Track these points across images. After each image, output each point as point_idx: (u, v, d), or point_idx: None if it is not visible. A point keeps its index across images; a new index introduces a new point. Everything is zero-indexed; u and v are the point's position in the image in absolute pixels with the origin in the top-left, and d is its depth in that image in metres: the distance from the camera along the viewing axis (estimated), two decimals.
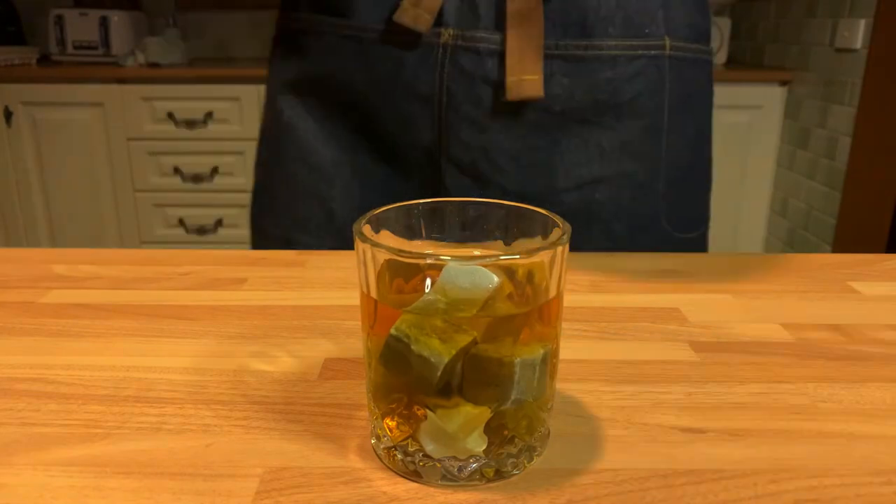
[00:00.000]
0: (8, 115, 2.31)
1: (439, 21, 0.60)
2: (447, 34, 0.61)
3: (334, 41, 0.64)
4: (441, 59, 0.61)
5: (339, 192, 0.67)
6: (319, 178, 0.67)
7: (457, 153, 0.64)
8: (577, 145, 0.62)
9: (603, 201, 0.64)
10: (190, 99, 2.26)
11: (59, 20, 2.42)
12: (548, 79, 0.60)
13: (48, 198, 2.42)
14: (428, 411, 0.28)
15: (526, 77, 0.59)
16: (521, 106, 0.61)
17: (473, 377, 0.27)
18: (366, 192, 0.67)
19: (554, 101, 0.61)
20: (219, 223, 2.39)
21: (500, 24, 0.60)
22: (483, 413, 0.28)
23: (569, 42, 0.60)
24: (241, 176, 2.34)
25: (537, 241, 0.31)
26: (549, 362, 0.29)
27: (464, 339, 0.27)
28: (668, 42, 0.62)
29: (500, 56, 0.60)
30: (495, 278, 0.28)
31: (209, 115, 2.27)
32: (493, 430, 0.28)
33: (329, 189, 0.67)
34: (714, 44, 2.55)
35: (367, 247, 0.28)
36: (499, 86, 0.61)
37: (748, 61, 2.71)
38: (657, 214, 0.66)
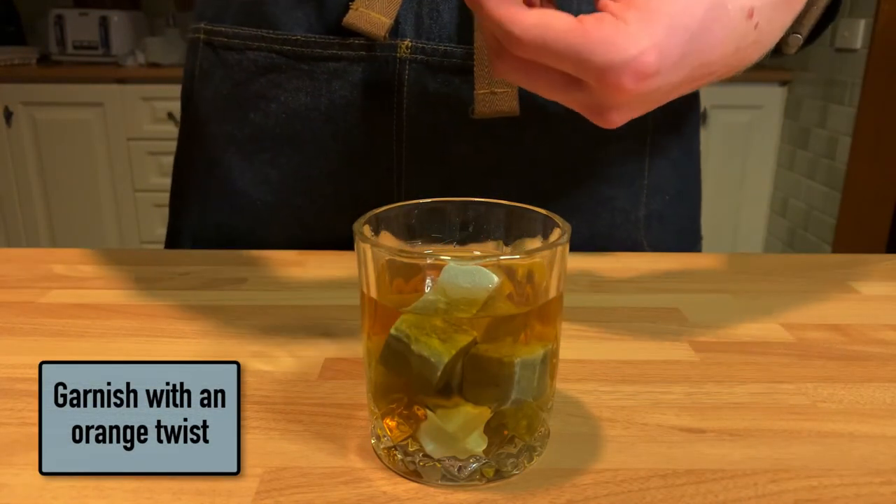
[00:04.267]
0: (8, 115, 2.31)
1: (395, 32, 0.52)
2: (405, 47, 0.52)
3: (268, 59, 0.54)
4: (399, 77, 0.52)
5: (275, 231, 0.59)
6: (249, 218, 0.59)
7: (415, 186, 0.56)
8: (551, 174, 0.56)
9: (575, 227, 0.56)
10: None
11: (59, 20, 2.42)
12: (522, 95, 0.51)
13: (48, 198, 2.42)
14: (428, 411, 0.28)
15: (498, 90, 0.51)
16: (492, 126, 0.52)
17: (473, 377, 0.27)
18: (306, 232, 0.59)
19: (527, 122, 0.53)
20: None
21: (467, 34, 0.51)
22: (483, 413, 0.28)
23: None
24: None
25: (537, 241, 0.31)
26: (549, 362, 0.29)
27: (464, 339, 0.27)
28: None
29: (470, 72, 0.51)
30: (495, 278, 0.28)
31: None
32: (493, 430, 0.28)
33: (261, 230, 0.59)
34: None
35: (367, 247, 0.28)
36: (468, 105, 0.52)
37: None
38: (637, 242, 0.60)
